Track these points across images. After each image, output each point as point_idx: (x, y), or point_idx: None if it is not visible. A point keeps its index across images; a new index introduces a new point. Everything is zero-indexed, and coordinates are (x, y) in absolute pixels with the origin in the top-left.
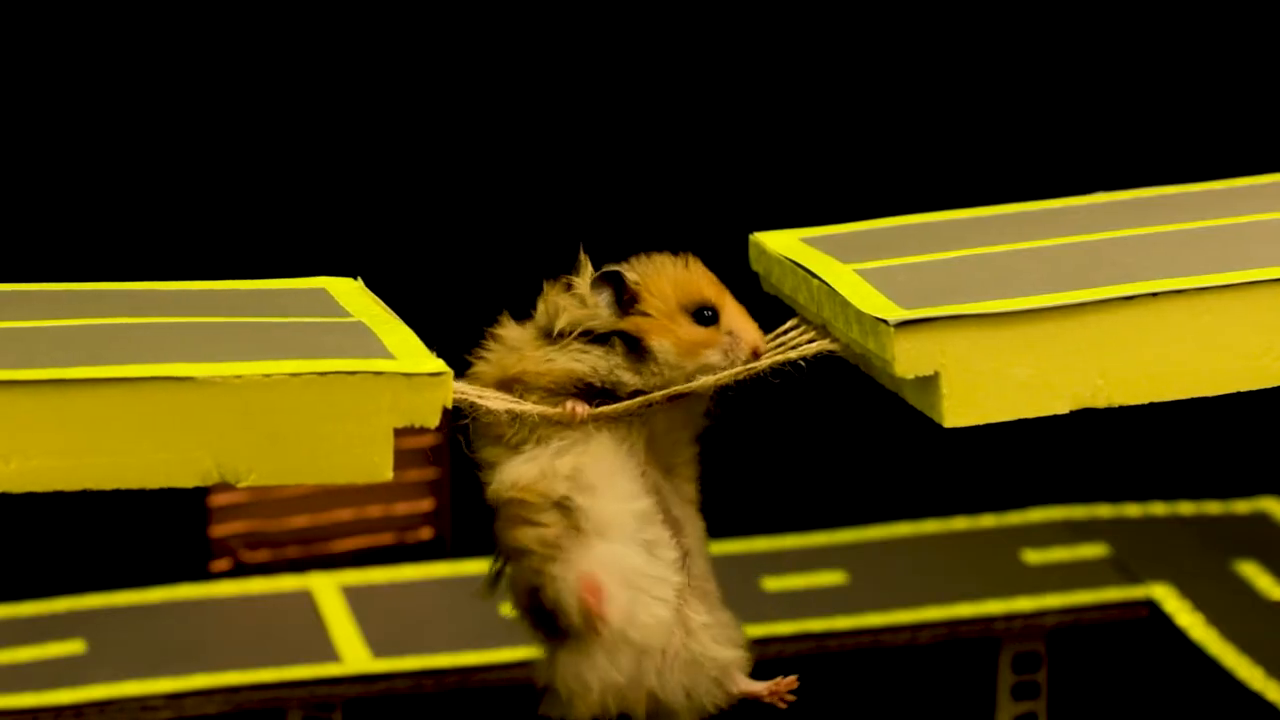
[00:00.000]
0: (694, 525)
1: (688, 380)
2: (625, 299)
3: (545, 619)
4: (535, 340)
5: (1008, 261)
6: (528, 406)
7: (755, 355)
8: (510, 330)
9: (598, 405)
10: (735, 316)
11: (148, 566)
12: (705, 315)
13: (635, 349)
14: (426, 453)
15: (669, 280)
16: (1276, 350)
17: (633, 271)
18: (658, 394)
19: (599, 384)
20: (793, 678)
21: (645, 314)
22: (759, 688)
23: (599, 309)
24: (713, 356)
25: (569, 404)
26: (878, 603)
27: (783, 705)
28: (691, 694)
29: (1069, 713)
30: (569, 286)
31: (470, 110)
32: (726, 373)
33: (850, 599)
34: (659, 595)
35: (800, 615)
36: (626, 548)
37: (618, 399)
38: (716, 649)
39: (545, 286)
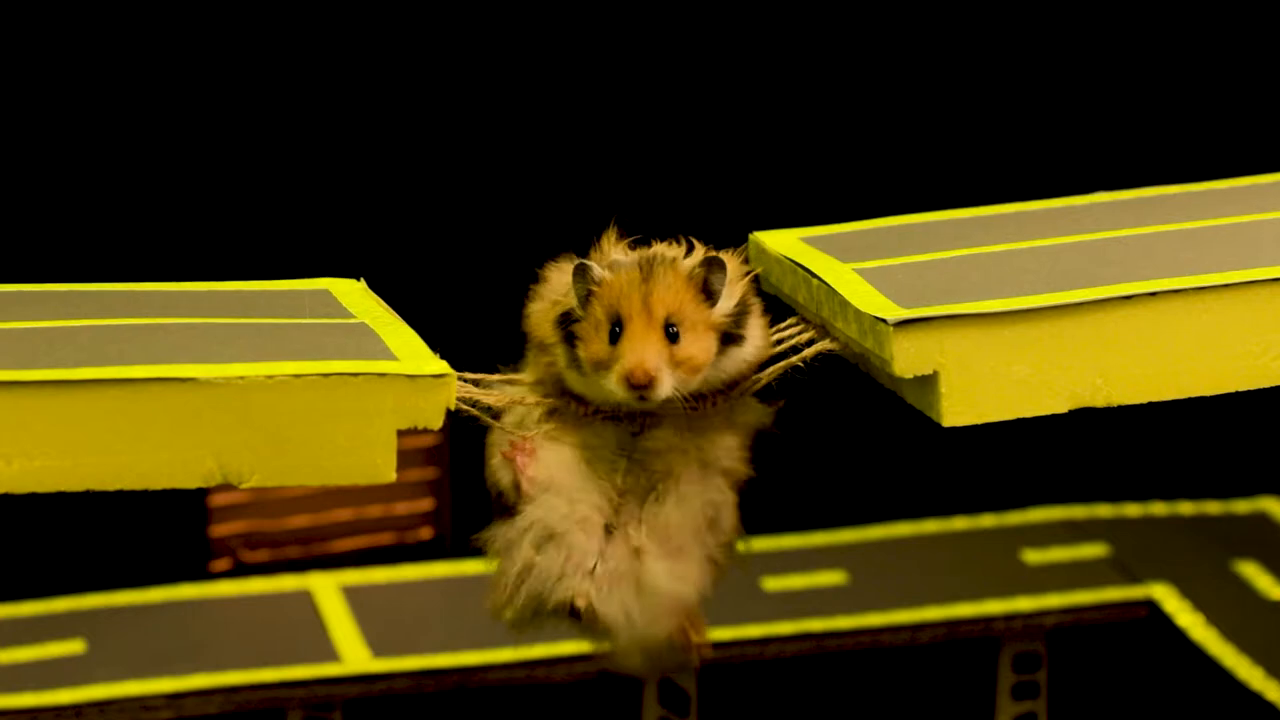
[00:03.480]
0: (698, 482)
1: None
2: (588, 296)
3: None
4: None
5: (1007, 261)
6: (530, 399)
7: (629, 383)
8: (556, 275)
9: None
10: (629, 335)
11: (148, 566)
12: (615, 331)
13: (574, 361)
14: (427, 453)
15: (615, 285)
16: (1276, 350)
17: (603, 268)
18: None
19: (552, 388)
20: (706, 641)
21: (582, 318)
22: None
23: (572, 300)
24: (608, 382)
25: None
26: (878, 603)
27: (696, 660)
28: (631, 615)
29: (1069, 713)
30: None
31: (471, 111)
32: (777, 364)
33: (850, 599)
34: (578, 494)
35: (800, 615)
36: (568, 449)
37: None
38: (665, 578)
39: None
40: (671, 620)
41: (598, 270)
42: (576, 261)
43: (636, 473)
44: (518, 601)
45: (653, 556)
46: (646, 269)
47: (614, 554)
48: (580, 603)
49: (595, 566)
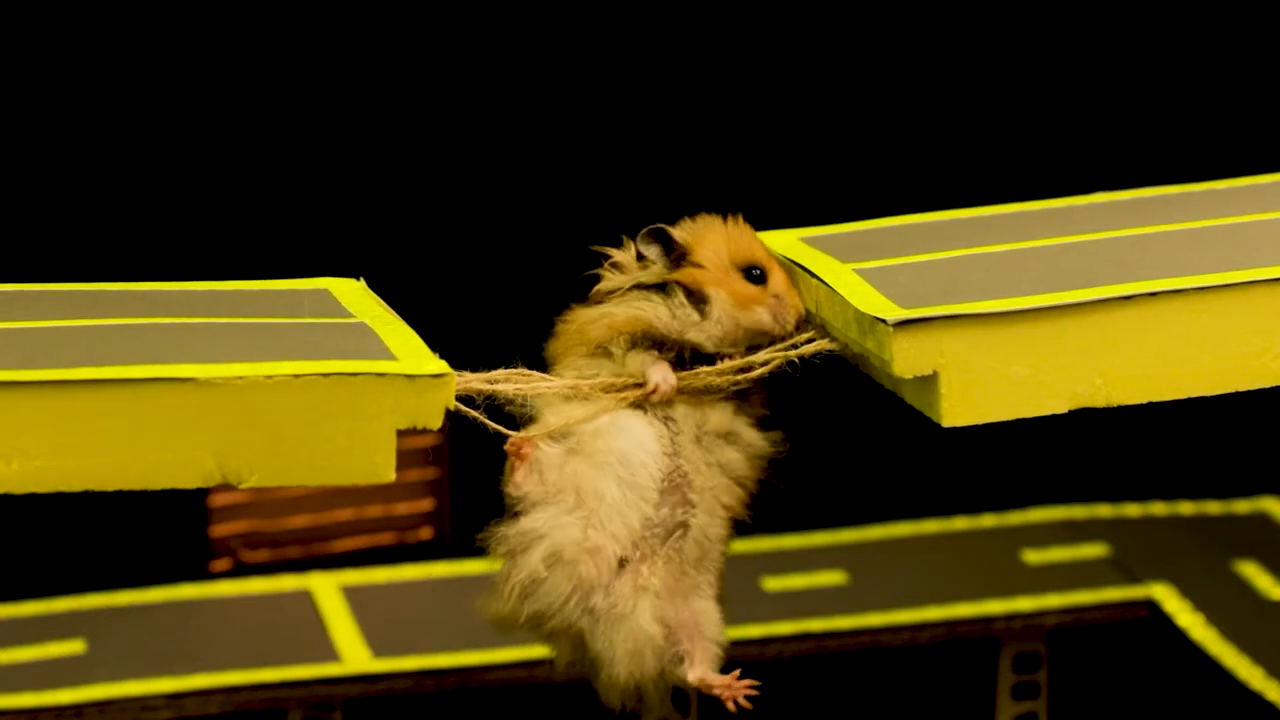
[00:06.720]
0: (711, 519)
1: (741, 339)
2: (674, 254)
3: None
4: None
5: (1007, 261)
6: (563, 381)
7: (798, 325)
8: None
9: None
10: (782, 281)
11: (148, 566)
12: (755, 274)
13: (693, 297)
14: (427, 453)
15: (720, 236)
16: (1276, 350)
17: (680, 230)
18: (726, 365)
19: (664, 331)
20: (750, 681)
21: (698, 265)
22: (714, 680)
23: (649, 264)
24: (764, 315)
25: (652, 379)
26: (878, 603)
27: (732, 708)
28: (616, 654)
29: (1069, 713)
30: (609, 260)
31: (471, 111)
32: (774, 358)
33: (850, 599)
34: (595, 523)
35: (800, 615)
36: (598, 471)
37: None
38: (643, 618)
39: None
40: (652, 664)
41: (678, 232)
42: (650, 228)
43: (670, 495)
44: (518, 614)
45: (653, 597)
46: (735, 224)
47: (619, 589)
48: (574, 633)
49: (596, 602)
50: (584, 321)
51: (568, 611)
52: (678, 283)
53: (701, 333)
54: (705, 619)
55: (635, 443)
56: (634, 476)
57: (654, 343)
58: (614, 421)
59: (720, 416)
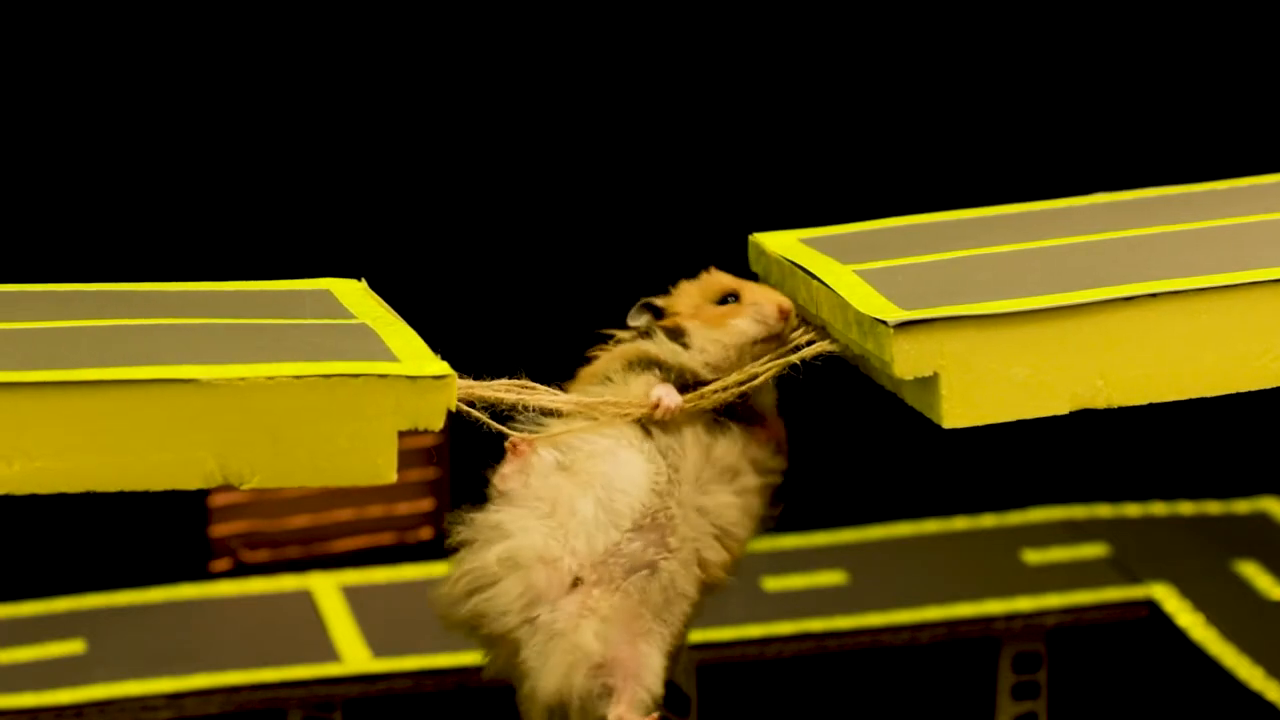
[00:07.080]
0: (686, 571)
1: (735, 359)
2: (660, 314)
3: None
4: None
5: (1007, 262)
6: (566, 396)
7: (784, 316)
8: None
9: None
10: (756, 291)
11: (148, 566)
12: (728, 299)
13: (673, 335)
14: (428, 453)
15: (692, 285)
16: (1276, 351)
17: (661, 298)
18: (729, 379)
19: (662, 357)
20: None
21: (676, 313)
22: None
23: (642, 327)
24: (741, 323)
25: (655, 394)
26: (878, 603)
27: None
28: (543, 666)
29: (1069, 713)
30: (614, 339)
31: (472, 112)
32: (776, 363)
33: (850, 599)
34: (559, 535)
35: (800, 615)
36: (580, 490)
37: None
38: (583, 635)
39: None
40: (580, 681)
41: (661, 299)
42: (639, 302)
43: (648, 532)
44: (460, 610)
45: (598, 621)
46: (706, 274)
47: (564, 608)
48: (510, 642)
49: (541, 615)
50: (584, 369)
51: (509, 619)
52: (661, 329)
53: (694, 360)
54: (645, 664)
55: (624, 474)
56: (613, 502)
57: (653, 365)
58: (612, 450)
59: (728, 446)
